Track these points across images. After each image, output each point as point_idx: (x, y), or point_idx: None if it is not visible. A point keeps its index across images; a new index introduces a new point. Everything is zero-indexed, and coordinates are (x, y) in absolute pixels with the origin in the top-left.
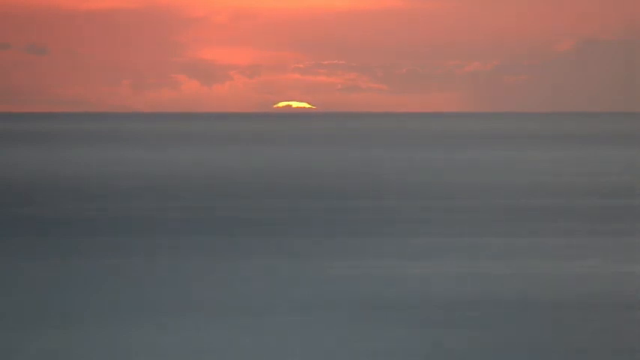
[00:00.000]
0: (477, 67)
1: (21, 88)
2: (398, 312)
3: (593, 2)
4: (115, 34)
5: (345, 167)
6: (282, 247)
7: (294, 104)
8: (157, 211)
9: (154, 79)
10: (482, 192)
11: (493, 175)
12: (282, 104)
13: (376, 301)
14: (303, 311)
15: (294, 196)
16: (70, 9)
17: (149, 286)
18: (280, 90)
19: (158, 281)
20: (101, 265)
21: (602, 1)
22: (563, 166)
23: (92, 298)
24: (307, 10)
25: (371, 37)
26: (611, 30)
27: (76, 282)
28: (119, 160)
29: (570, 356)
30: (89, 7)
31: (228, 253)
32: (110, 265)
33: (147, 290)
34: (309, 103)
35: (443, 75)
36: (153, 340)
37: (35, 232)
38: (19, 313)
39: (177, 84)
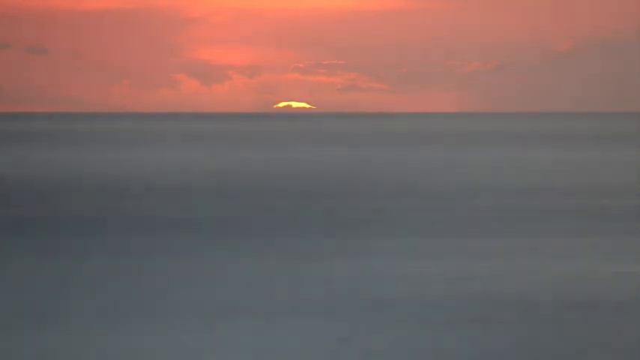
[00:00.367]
0: (476, 67)
1: (21, 88)
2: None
3: (593, 2)
4: (114, 35)
5: (353, 168)
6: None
7: (294, 104)
8: (160, 212)
9: (154, 79)
10: (482, 192)
11: (493, 176)
12: (282, 104)
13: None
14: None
15: (294, 197)
16: (69, 9)
17: (153, 288)
18: (280, 90)
19: (170, 283)
20: (91, 266)
21: (603, 1)
22: (563, 167)
23: (87, 299)
24: (307, 10)
25: (371, 37)
26: (610, 30)
27: (71, 282)
28: (119, 160)
29: (570, 356)
30: (89, 7)
31: (226, 254)
32: (103, 265)
33: (146, 291)
34: (309, 103)
35: (443, 75)
36: (153, 340)
37: (34, 232)
38: (8, 313)
39: (177, 84)
